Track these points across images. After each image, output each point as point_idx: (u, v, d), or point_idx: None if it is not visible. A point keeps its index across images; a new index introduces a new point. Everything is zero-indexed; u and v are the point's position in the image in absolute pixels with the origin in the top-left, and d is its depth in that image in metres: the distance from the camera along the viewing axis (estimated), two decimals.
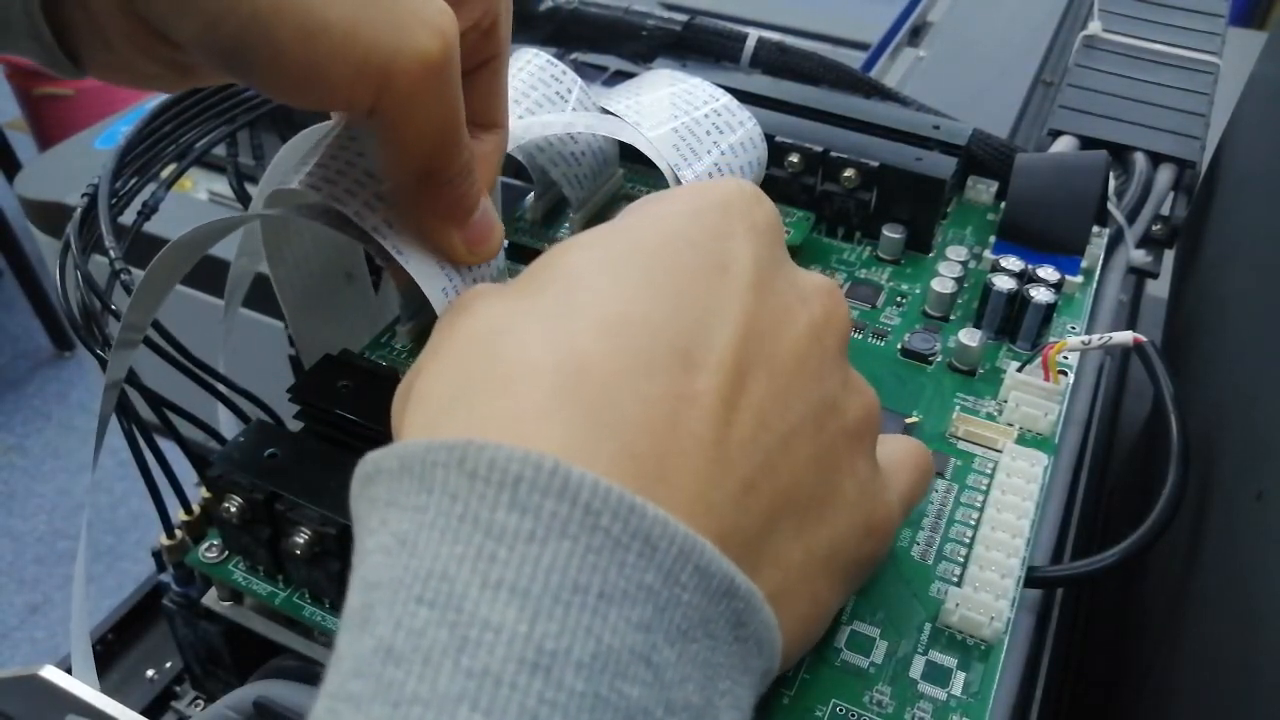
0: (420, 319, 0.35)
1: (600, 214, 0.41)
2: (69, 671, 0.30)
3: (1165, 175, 0.49)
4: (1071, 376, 0.36)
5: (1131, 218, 0.46)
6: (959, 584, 0.30)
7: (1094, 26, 0.58)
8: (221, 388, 0.34)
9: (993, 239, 0.42)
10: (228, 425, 0.36)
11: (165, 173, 0.40)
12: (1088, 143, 0.50)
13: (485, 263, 0.31)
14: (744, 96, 0.41)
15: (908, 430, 0.35)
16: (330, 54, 0.22)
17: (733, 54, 0.54)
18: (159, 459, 0.34)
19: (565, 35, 0.57)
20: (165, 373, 0.32)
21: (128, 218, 0.38)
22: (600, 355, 0.20)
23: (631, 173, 0.44)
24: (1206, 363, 0.43)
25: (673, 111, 0.38)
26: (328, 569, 0.27)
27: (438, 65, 0.24)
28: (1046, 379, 0.35)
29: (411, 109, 0.24)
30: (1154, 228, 0.49)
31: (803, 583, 0.23)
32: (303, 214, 0.31)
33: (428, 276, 0.31)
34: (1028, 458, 0.33)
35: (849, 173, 0.41)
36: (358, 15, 0.22)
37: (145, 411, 0.33)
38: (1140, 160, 0.49)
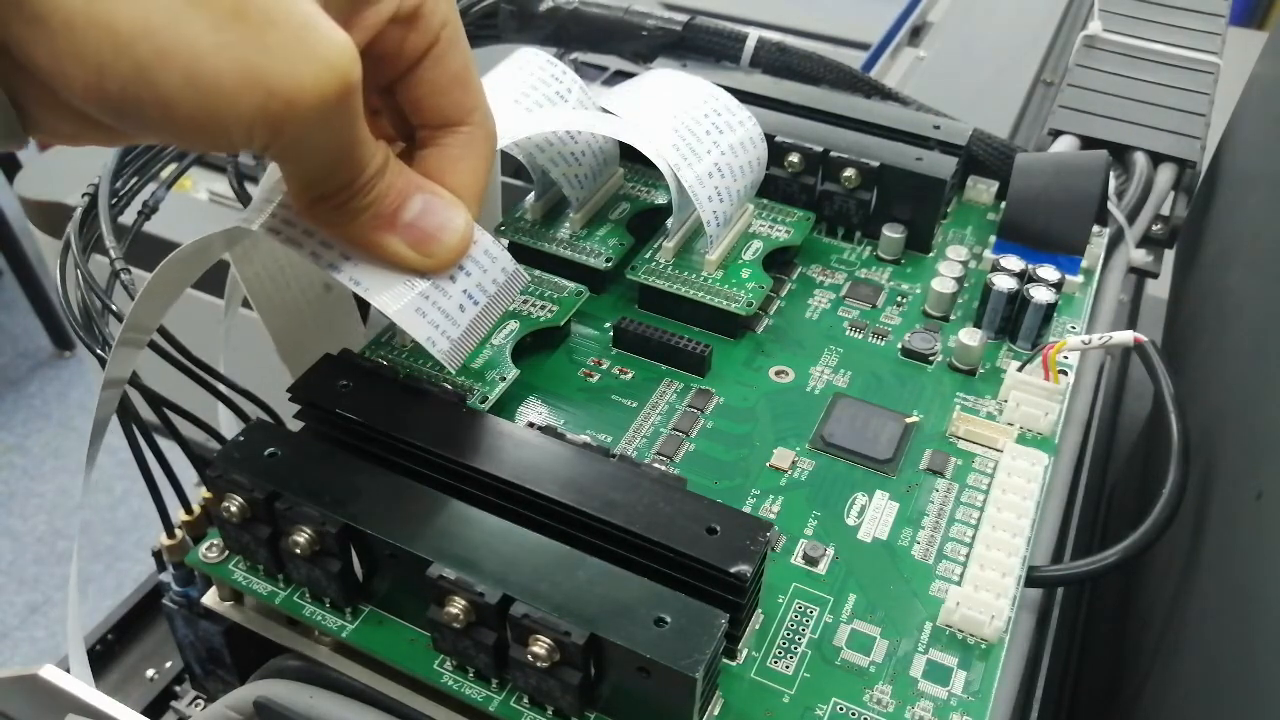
0: None
1: (600, 214, 0.41)
2: (68, 671, 0.30)
3: (1165, 175, 0.49)
4: (1071, 376, 0.36)
5: (1131, 217, 0.46)
6: (960, 583, 0.30)
7: (1094, 26, 0.58)
8: (221, 388, 0.34)
9: (993, 239, 0.42)
10: (228, 425, 0.36)
11: (165, 173, 0.40)
12: (1088, 143, 0.50)
13: (481, 268, 0.29)
14: (744, 96, 0.41)
15: (908, 430, 0.35)
16: (224, 103, 0.21)
17: (733, 54, 0.54)
18: (159, 459, 0.34)
19: (565, 35, 0.57)
20: (165, 373, 0.32)
21: (128, 218, 0.38)
22: None
23: (631, 172, 0.44)
24: (1206, 363, 0.42)
25: (672, 111, 0.38)
26: (327, 568, 0.27)
27: (334, 102, 0.23)
28: (1047, 379, 0.35)
29: (307, 144, 0.24)
30: (1154, 227, 0.49)
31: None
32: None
33: (397, 303, 0.28)
34: (1028, 457, 0.33)
35: (849, 173, 0.41)
36: (250, 60, 0.21)
37: (145, 411, 0.33)
38: (1140, 160, 0.49)
